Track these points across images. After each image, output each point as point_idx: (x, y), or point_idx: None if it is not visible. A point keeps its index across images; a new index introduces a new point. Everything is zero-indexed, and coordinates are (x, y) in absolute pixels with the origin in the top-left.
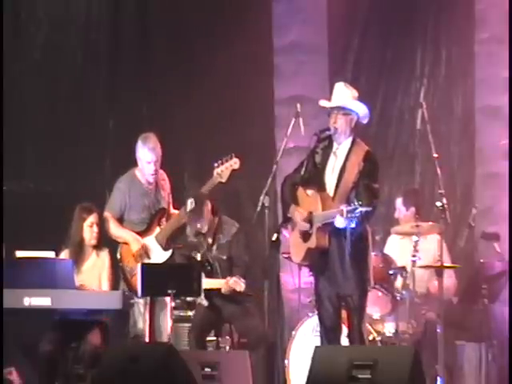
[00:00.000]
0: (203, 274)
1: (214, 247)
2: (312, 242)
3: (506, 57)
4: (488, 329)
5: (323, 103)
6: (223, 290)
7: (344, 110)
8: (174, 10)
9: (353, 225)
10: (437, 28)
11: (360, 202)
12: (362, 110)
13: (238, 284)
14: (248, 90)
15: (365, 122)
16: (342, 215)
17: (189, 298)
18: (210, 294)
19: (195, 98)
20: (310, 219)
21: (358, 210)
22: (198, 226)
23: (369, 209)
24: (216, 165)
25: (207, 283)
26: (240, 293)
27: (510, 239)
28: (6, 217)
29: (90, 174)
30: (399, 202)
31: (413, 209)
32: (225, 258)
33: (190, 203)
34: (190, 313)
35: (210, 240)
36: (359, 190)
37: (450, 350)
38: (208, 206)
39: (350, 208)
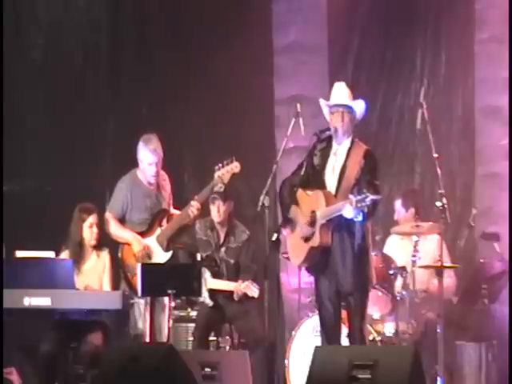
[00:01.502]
0: (210, 274)
1: (223, 249)
2: (315, 241)
3: (506, 57)
4: (488, 329)
5: (326, 103)
6: (235, 296)
7: (349, 109)
8: (173, 9)
9: (360, 217)
10: (437, 28)
11: (371, 191)
12: (361, 108)
13: (250, 289)
14: (248, 90)
15: (360, 118)
16: (351, 204)
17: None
18: (214, 293)
19: (195, 98)
20: (313, 219)
21: (368, 199)
22: (215, 211)
23: (378, 197)
24: (217, 168)
25: (214, 283)
26: (246, 295)
27: (510, 239)
28: (6, 217)
29: (90, 173)
30: (398, 203)
31: (412, 210)
32: (232, 262)
33: (220, 187)
34: (192, 313)
35: (221, 238)
36: (361, 186)
37: (450, 350)
38: (231, 204)
39: (359, 197)
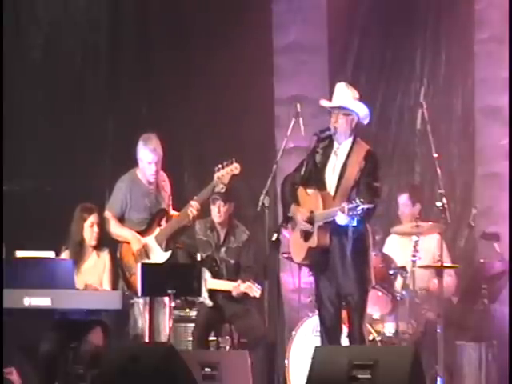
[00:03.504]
0: (210, 275)
1: (223, 249)
2: (313, 241)
3: (506, 57)
4: (488, 329)
5: (324, 103)
6: (234, 294)
7: (345, 110)
8: (173, 9)
9: (354, 223)
10: (437, 28)
11: (361, 200)
12: (362, 111)
13: (251, 289)
14: (248, 90)
15: (365, 122)
16: (343, 212)
17: (190, 298)
18: (214, 293)
19: (195, 98)
20: (311, 218)
21: (359, 208)
22: (216, 212)
23: (370, 206)
24: (216, 169)
25: (214, 284)
26: (247, 295)
27: (510, 239)
28: (6, 217)
29: (90, 173)
30: (404, 197)
31: (418, 205)
32: (232, 262)
33: (221, 188)
34: (192, 313)
35: (221, 238)
36: (360, 188)
37: (450, 350)
38: (232, 205)
39: (351, 205)
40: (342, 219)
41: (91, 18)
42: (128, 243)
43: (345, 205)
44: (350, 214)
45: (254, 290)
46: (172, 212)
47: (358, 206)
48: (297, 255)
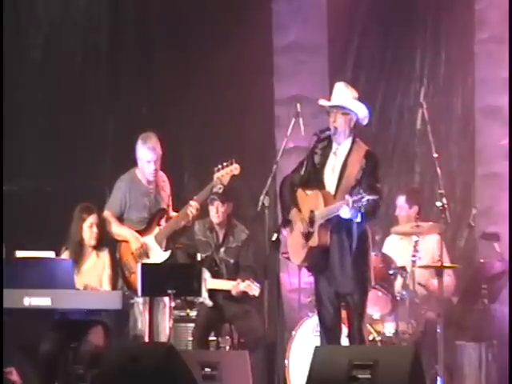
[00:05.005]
0: (209, 275)
1: (223, 249)
2: (314, 241)
3: (506, 57)
4: (488, 329)
5: (323, 102)
6: (234, 293)
7: (343, 110)
8: (173, 9)
9: (358, 219)
10: (437, 28)
11: (367, 191)
12: (361, 111)
13: (250, 287)
14: (248, 90)
15: (364, 123)
16: (347, 205)
17: (190, 298)
18: (214, 294)
19: (195, 98)
20: (311, 218)
21: (364, 199)
22: (214, 212)
23: (375, 197)
24: (216, 169)
25: (214, 284)
26: (247, 294)
27: (510, 239)
28: (6, 217)
29: (90, 173)
30: (402, 200)
31: (416, 207)
32: (232, 261)
33: (219, 188)
34: (192, 313)
35: (220, 238)
36: (362, 187)
37: (450, 350)
38: (230, 205)
39: (355, 197)
40: (346, 213)
41: (91, 18)
42: (127, 242)
43: (349, 198)
44: (355, 205)
45: (253, 289)
46: (172, 213)
47: (362, 197)
48: (296, 257)
